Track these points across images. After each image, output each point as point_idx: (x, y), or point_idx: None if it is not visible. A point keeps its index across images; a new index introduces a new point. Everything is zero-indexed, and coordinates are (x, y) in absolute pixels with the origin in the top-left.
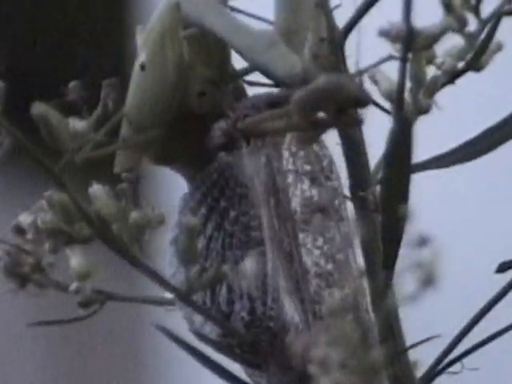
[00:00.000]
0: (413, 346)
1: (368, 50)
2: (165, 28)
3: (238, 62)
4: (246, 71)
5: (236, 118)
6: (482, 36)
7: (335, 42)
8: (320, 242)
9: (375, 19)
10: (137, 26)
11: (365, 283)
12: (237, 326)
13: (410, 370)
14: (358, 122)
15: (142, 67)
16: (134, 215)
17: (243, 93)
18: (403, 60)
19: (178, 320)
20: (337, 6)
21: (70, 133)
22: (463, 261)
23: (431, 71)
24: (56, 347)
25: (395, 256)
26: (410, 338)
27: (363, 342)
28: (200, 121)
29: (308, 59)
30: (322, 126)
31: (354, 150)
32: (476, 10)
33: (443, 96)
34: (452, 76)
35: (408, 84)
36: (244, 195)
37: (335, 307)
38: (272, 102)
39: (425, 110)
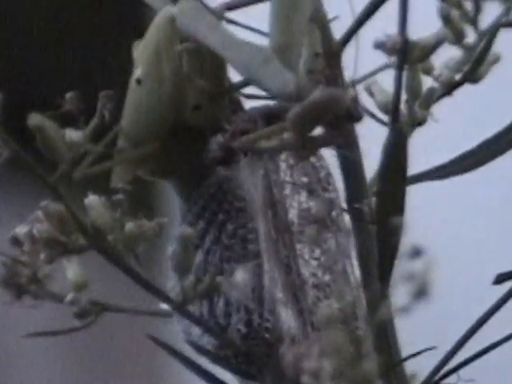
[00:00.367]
0: (409, 357)
1: (365, 62)
2: (160, 42)
3: (234, 75)
4: (243, 84)
5: (233, 131)
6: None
7: (332, 54)
8: (317, 253)
9: (372, 31)
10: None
11: (361, 294)
12: (233, 338)
13: (405, 381)
14: (353, 138)
15: (138, 81)
16: (130, 226)
17: (240, 106)
18: (399, 71)
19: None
20: (334, 18)
21: (66, 143)
22: (460, 272)
23: (429, 83)
24: (70, 355)
25: (391, 267)
26: (405, 349)
27: (357, 354)
28: (197, 134)
29: (302, 75)
30: (318, 144)
31: (350, 161)
32: (474, 22)
33: (440, 108)
34: (449, 88)
35: (404, 95)
36: (242, 209)
37: (328, 318)
38: (269, 115)
39: (420, 122)
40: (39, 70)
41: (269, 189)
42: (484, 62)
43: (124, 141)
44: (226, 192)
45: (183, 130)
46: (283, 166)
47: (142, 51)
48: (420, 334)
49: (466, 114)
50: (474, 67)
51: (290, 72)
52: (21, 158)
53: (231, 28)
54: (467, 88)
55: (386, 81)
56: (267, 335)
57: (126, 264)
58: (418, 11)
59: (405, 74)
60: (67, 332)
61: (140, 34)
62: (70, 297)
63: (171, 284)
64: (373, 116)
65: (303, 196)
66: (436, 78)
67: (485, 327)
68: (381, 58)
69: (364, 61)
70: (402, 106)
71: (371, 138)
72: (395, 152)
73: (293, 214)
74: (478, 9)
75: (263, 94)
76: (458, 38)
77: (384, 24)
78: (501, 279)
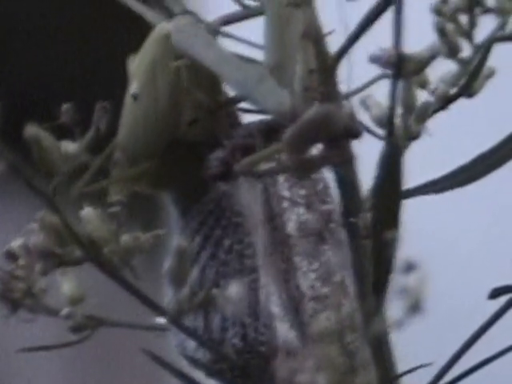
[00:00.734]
0: (404, 373)
1: (360, 76)
2: (156, 58)
3: (230, 89)
4: (239, 98)
5: (232, 147)
6: (475, 61)
7: (327, 69)
8: (315, 265)
9: (367, 45)
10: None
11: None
12: (229, 352)
13: None
14: (351, 157)
15: (134, 97)
16: (126, 238)
17: (236, 120)
18: (394, 85)
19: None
20: (330, 33)
21: (61, 155)
22: (454, 286)
23: (424, 97)
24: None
25: (386, 282)
26: (401, 365)
27: (352, 368)
28: (193, 149)
29: (298, 94)
30: (316, 164)
31: (345, 175)
32: (469, 36)
33: (436, 122)
34: (445, 102)
35: (399, 109)
36: (239, 224)
37: (323, 332)
38: (267, 129)
39: (415, 136)
40: (38, 80)
41: (268, 203)
42: (479, 76)
43: (121, 155)
44: (224, 208)
45: (180, 145)
46: (281, 179)
47: (137, 67)
48: (415, 348)
49: (460, 129)
50: (470, 81)
51: (286, 90)
52: (17, 169)
53: (227, 41)
54: (462, 102)
55: (381, 94)
56: (263, 349)
57: (122, 277)
58: (413, 25)
59: (400, 87)
60: (62, 346)
61: (138, 45)
62: (65, 311)
63: (168, 299)
64: (368, 130)
65: (301, 208)
66: (432, 92)
67: (480, 342)
68: (376, 72)
69: (359, 75)
70: (397, 120)
71: (366, 152)
72: (390, 166)
73: (291, 227)
74: (473, 23)
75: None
76: (453, 52)
77: (379, 38)
78: (496, 294)
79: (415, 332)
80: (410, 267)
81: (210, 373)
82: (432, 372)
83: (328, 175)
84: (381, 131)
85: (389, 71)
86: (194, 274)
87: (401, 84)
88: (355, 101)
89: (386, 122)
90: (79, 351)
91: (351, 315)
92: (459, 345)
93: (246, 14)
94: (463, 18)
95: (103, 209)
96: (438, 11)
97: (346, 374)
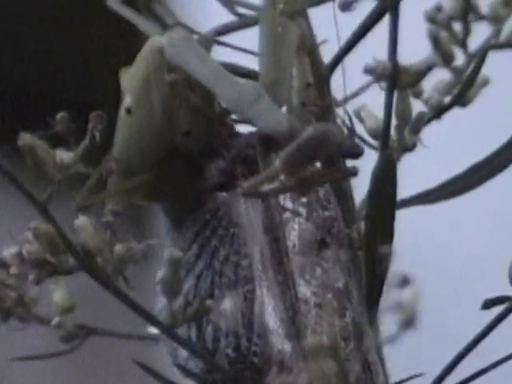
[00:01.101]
0: (397, 383)
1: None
2: (149, 72)
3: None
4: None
5: (233, 157)
6: (469, 70)
7: (321, 78)
8: (318, 271)
9: (361, 55)
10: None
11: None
12: (221, 362)
13: None
14: (350, 174)
15: (128, 111)
16: (119, 248)
17: (233, 129)
18: (389, 97)
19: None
20: (323, 42)
21: (56, 164)
22: (448, 296)
23: (418, 106)
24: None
25: (379, 294)
26: (393, 376)
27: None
28: (189, 160)
29: (294, 111)
30: (315, 182)
31: (339, 186)
32: (463, 44)
33: (430, 131)
34: (438, 111)
35: (393, 120)
36: (236, 235)
37: (316, 347)
38: (267, 140)
39: (410, 148)
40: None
41: (268, 212)
42: (473, 85)
43: (115, 167)
44: (221, 218)
45: (175, 157)
46: None
47: (130, 80)
48: (408, 358)
49: (455, 139)
50: (464, 90)
51: (282, 109)
52: (11, 177)
53: (222, 50)
54: (456, 111)
55: (375, 105)
56: (256, 360)
57: (116, 286)
58: (408, 35)
59: (395, 98)
60: (53, 356)
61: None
62: (56, 320)
63: (159, 307)
64: (362, 140)
65: (303, 215)
66: (425, 102)
67: (474, 353)
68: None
69: (354, 85)
70: (392, 132)
71: (359, 162)
72: (385, 178)
73: (294, 236)
74: (467, 30)
75: None
76: (447, 60)
77: (373, 48)
78: (489, 304)
79: (408, 342)
80: (404, 281)
81: (203, 383)
82: (425, 383)
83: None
84: (374, 142)
85: (383, 83)
86: (189, 283)
87: (396, 95)
88: (349, 110)
89: (382, 133)
90: (64, 361)
91: (354, 322)
92: (453, 355)
93: (241, 24)
94: (457, 26)
95: (97, 218)
96: (431, 19)
97: None
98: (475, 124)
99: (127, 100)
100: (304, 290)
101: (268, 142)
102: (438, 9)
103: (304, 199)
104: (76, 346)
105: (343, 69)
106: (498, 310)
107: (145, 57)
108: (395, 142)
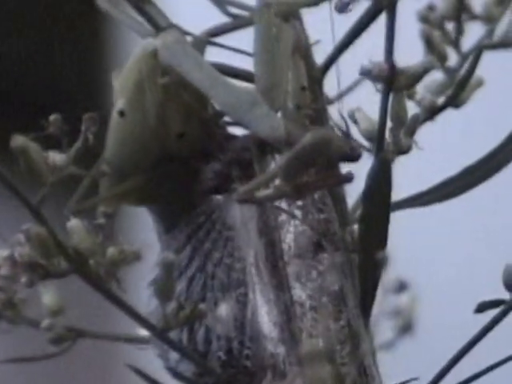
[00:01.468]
0: None
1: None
2: (142, 74)
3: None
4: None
5: (229, 160)
6: (463, 71)
7: (314, 80)
8: (314, 274)
9: (354, 56)
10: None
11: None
12: (213, 365)
13: None
14: (346, 180)
15: (121, 113)
16: (112, 250)
17: (225, 131)
18: (384, 99)
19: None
20: (317, 42)
21: (49, 166)
22: (442, 300)
23: (410, 107)
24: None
25: (373, 297)
26: (388, 380)
27: None
28: (182, 162)
29: (290, 116)
30: (312, 188)
31: (332, 188)
32: (456, 44)
33: (423, 133)
34: (432, 112)
35: (388, 123)
36: (230, 237)
37: (312, 353)
38: (262, 142)
39: (405, 151)
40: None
41: (263, 215)
42: (467, 87)
43: (108, 170)
44: (215, 221)
45: (168, 160)
46: None
47: (123, 83)
48: (402, 363)
49: (448, 140)
50: (457, 91)
51: (279, 114)
52: (3, 179)
53: (216, 50)
54: (449, 113)
55: (367, 106)
56: (248, 363)
57: (108, 289)
58: (404, 37)
59: (390, 101)
60: (42, 358)
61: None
62: (45, 322)
63: (149, 310)
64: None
65: (298, 218)
66: (418, 103)
67: (468, 357)
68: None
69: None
70: (387, 134)
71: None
72: (380, 180)
73: (289, 239)
74: (460, 30)
75: None
76: (439, 61)
77: (367, 49)
78: (482, 308)
79: (402, 346)
80: (401, 287)
81: None
82: None
83: None
84: (368, 144)
85: (379, 85)
86: (181, 285)
87: (391, 97)
88: (343, 112)
89: (377, 136)
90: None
91: (348, 327)
92: (446, 360)
93: (234, 25)
94: (450, 26)
95: (89, 220)
96: (424, 19)
97: None
98: (469, 125)
99: (120, 102)
100: (299, 293)
101: (263, 145)
102: (431, 8)
103: (299, 202)
104: (65, 349)
105: (337, 70)
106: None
107: (138, 59)
108: (390, 144)
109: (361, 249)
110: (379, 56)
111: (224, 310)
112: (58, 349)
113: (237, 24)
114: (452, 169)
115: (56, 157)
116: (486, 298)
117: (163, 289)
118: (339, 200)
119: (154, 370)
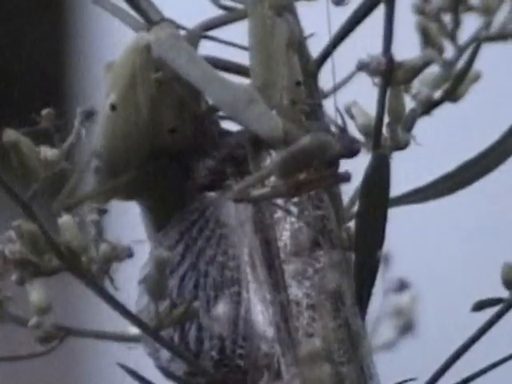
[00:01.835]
0: None
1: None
2: (135, 69)
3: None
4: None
5: (223, 157)
6: (460, 64)
7: (308, 74)
8: (310, 272)
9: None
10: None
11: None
12: (206, 365)
13: None
14: (343, 179)
15: (113, 107)
16: (104, 247)
17: (218, 127)
18: (382, 94)
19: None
20: (311, 35)
21: (40, 161)
22: (439, 299)
23: (407, 101)
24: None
25: (369, 295)
26: (385, 381)
27: None
28: (174, 158)
29: (284, 111)
30: (307, 187)
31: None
32: (453, 37)
33: (420, 128)
34: (428, 107)
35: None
36: (224, 235)
37: (310, 354)
38: (256, 138)
39: (403, 146)
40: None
41: (259, 212)
42: (465, 80)
43: (100, 164)
44: (208, 218)
45: (161, 155)
46: None
47: (115, 77)
48: (400, 363)
49: (445, 135)
50: (455, 85)
51: (275, 111)
52: None
53: (210, 44)
54: (447, 107)
55: (362, 101)
56: (241, 362)
57: (100, 286)
58: (400, 30)
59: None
60: (31, 357)
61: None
62: (33, 320)
63: (139, 307)
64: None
65: (294, 215)
66: (414, 97)
67: (465, 357)
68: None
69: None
70: (384, 129)
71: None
72: (377, 176)
73: (286, 236)
74: (456, 22)
75: None
76: (436, 53)
77: (363, 42)
78: (479, 306)
79: (399, 346)
80: (402, 286)
81: None
82: None
83: None
84: (365, 139)
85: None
86: (172, 283)
87: (389, 92)
88: (339, 107)
89: (374, 132)
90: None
91: (346, 325)
92: (444, 360)
93: (228, 18)
94: (447, 18)
95: (80, 216)
96: (420, 10)
97: None
98: (467, 120)
99: (112, 97)
100: (296, 292)
101: (258, 141)
102: (427, 0)
103: (295, 198)
104: (53, 348)
105: (333, 63)
106: None
107: (130, 54)
108: (387, 139)
109: (357, 246)
110: (376, 49)
111: (217, 308)
112: (45, 347)
113: (230, 17)
114: (450, 164)
115: (48, 152)
116: (484, 296)
117: (155, 287)
118: (334, 197)
119: (140, 368)
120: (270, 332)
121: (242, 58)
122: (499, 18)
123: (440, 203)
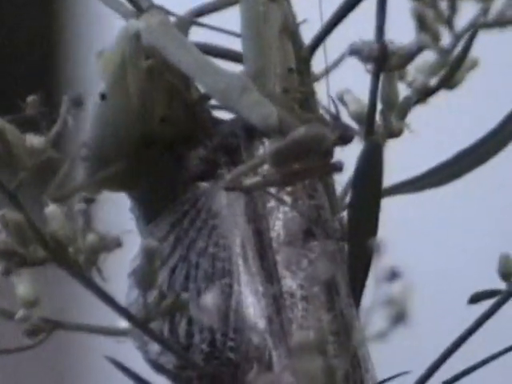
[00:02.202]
0: (383, 381)
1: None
2: (125, 57)
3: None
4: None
5: (215, 146)
6: (457, 51)
7: (301, 59)
8: (304, 263)
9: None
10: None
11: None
12: (196, 358)
13: None
14: (336, 169)
15: (103, 96)
16: (91, 238)
17: (211, 116)
18: (375, 80)
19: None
20: (303, 21)
21: (26, 150)
22: (433, 292)
23: (402, 89)
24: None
25: (362, 286)
26: (379, 374)
27: (330, 379)
28: (165, 147)
29: (277, 98)
30: (300, 177)
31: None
32: (449, 23)
33: (416, 116)
34: (424, 94)
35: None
36: (215, 226)
37: (302, 345)
38: (250, 127)
39: (397, 134)
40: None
41: (252, 202)
42: (461, 67)
43: (89, 154)
44: (200, 209)
45: (152, 144)
46: None
47: (104, 65)
48: (394, 356)
49: (441, 123)
50: (451, 72)
51: (269, 100)
52: None
53: (202, 31)
54: (443, 95)
55: (359, 89)
56: (232, 355)
57: (88, 278)
58: (394, 16)
59: (381, 82)
60: (19, 350)
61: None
62: (20, 313)
63: (129, 300)
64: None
65: (288, 205)
66: (409, 84)
67: (461, 350)
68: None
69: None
70: (377, 117)
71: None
72: (370, 166)
73: (279, 226)
74: (453, 9)
75: None
76: (432, 40)
77: (356, 28)
78: (476, 298)
79: (394, 339)
80: (394, 275)
81: (176, 379)
82: (411, 381)
83: None
84: (358, 127)
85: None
86: (163, 275)
87: (382, 78)
88: (332, 94)
89: (366, 119)
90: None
91: (340, 317)
92: (439, 353)
93: (219, 4)
94: (443, 4)
95: (67, 206)
96: None
97: None
98: (463, 108)
99: (102, 85)
100: (290, 283)
101: (251, 130)
102: None
103: (289, 188)
104: (40, 341)
105: (325, 50)
106: None
107: (120, 41)
108: (381, 127)
109: (350, 236)
110: (370, 36)
111: (207, 300)
112: (33, 341)
113: (222, 3)
114: (446, 153)
115: (34, 140)
116: (481, 288)
117: (145, 278)
118: (327, 186)
119: (130, 362)
120: (261, 324)
121: (235, 45)
122: (497, 5)
123: (436, 192)
